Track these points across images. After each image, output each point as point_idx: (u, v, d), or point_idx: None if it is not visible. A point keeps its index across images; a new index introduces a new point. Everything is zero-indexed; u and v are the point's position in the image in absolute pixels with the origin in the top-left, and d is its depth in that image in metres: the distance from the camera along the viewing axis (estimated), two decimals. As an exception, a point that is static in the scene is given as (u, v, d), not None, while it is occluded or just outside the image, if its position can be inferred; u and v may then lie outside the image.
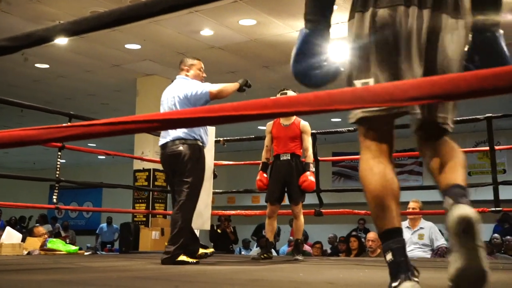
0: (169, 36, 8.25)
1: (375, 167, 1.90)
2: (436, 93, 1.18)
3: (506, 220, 12.63)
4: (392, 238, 1.79)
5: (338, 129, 6.47)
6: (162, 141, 4.52)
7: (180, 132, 4.40)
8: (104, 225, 15.88)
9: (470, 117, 5.85)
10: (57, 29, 1.76)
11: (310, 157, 5.30)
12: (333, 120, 12.88)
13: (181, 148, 4.38)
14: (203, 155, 4.50)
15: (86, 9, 7.11)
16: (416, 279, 1.69)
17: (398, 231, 1.80)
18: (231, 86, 4.61)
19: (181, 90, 4.51)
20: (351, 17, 2.00)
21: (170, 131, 4.43)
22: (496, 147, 5.83)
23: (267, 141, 5.52)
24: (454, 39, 1.88)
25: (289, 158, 5.32)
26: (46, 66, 9.68)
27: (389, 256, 1.76)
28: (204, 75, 4.80)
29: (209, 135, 4.77)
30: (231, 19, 7.57)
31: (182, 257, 4.26)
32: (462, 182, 1.80)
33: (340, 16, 7.33)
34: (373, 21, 1.86)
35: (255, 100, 1.50)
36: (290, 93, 5.21)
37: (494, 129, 5.73)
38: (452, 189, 1.76)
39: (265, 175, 5.42)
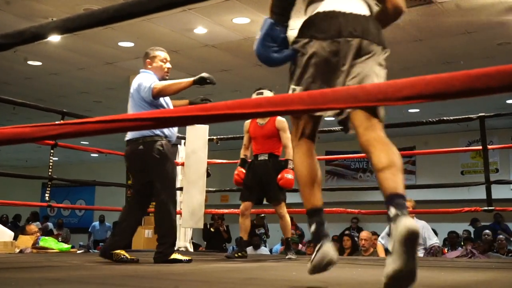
0: (163, 34, 8.23)
1: (305, 161, 2.40)
2: (430, 92, 1.18)
3: (497, 220, 12.73)
4: (315, 215, 2.34)
5: (332, 128, 6.46)
6: (126, 137, 4.35)
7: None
8: (96, 223, 15.85)
9: (463, 117, 5.87)
10: (50, 27, 1.77)
11: (289, 154, 5.07)
12: (326, 119, 12.84)
13: (141, 147, 4.22)
14: (168, 150, 4.32)
15: (79, 6, 7.08)
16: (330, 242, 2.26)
17: (320, 209, 2.36)
18: (182, 83, 4.34)
19: (134, 84, 4.37)
20: (299, 36, 2.45)
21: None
22: (489, 147, 5.86)
23: (245, 140, 5.46)
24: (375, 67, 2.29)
25: (266, 158, 5.25)
26: (39, 63, 9.64)
27: (313, 227, 2.30)
28: (168, 66, 4.57)
29: (175, 128, 4.54)
30: (225, 17, 7.56)
31: (175, 255, 4.24)
32: (402, 191, 2.01)
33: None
34: (313, 47, 2.32)
35: (249, 99, 1.50)
36: (267, 93, 5.12)
37: (487, 129, 5.75)
38: (395, 199, 1.96)
39: (243, 170, 5.34)
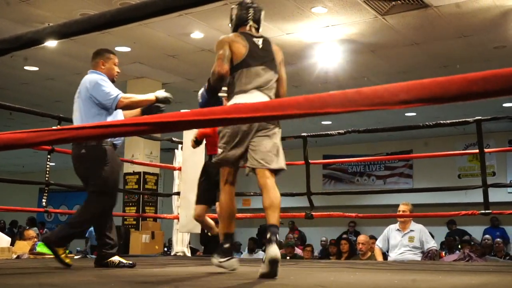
0: (160, 39, 8.24)
1: (229, 201, 3.43)
2: (426, 96, 1.18)
3: (493, 224, 12.79)
4: (230, 238, 3.44)
5: (329, 132, 6.46)
6: None
7: None
8: (93, 228, 15.77)
9: (460, 120, 5.87)
10: (47, 32, 1.76)
11: None
12: (323, 123, 12.90)
13: (83, 151, 4.04)
14: (111, 156, 4.10)
15: (76, 11, 7.08)
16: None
17: (233, 234, 3.50)
18: (145, 100, 4.20)
19: (87, 84, 4.17)
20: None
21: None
22: (486, 150, 5.86)
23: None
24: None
25: None
26: (36, 68, 9.63)
27: (227, 245, 3.39)
28: (118, 70, 4.41)
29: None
30: (222, 21, 7.55)
31: (116, 258, 4.08)
32: (277, 223, 3.20)
33: (328, 19, 7.40)
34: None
35: (246, 103, 1.50)
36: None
37: (484, 132, 5.76)
38: (272, 228, 3.15)
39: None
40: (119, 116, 4.23)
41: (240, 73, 3.43)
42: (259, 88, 3.38)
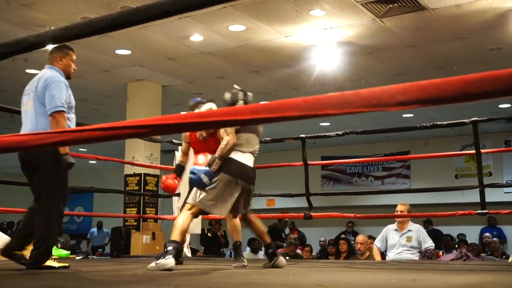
0: (159, 42, 8.26)
1: (187, 223, 4.12)
2: (423, 97, 1.19)
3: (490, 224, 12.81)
4: (178, 243, 3.99)
5: (327, 133, 6.49)
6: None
7: (37, 130, 3.77)
8: (94, 229, 15.83)
9: (457, 121, 5.90)
10: (48, 35, 1.77)
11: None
12: (322, 124, 12.93)
13: (35, 152, 3.81)
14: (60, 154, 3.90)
15: (76, 15, 7.10)
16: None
17: (179, 243, 4.07)
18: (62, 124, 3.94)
19: (44, 81, 4.02)
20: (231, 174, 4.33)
21: (27, 125, 4.00)
22: (482, 151, 5.89)
23: (184, 148, 5.12)
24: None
25: None
26: (37, 71, 9.61)
27: (171, 249, 3.86)
28: (75, 68, 4.27)
29: None
30: (221, 25, 7.58)
31: (50, 262, 3.92)
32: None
33: (326, 22, 7.42)
34: None
35: (245, 106, 1.52)
36: (208, 105, 4.68)
37: (480, 133, 5.79)
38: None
39: (176, 180, 4.95)
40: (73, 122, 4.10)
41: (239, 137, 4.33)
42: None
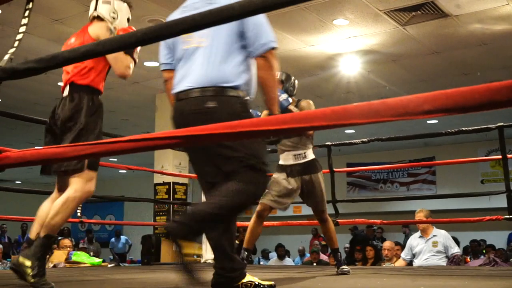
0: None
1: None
2: (451, 106, 1.20)
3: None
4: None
5: (352, 141, 6.48)
6: (180, 87, 2.91)
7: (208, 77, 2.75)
8: (113, 239, 16.05)
9: (482, 127, 5.85)
10: (82, 50, 1.83)
11: None
12: (347, 132, 12.91)
13: (212, 104, 2.70)
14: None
15: (106, 29, 7.22)
16: None
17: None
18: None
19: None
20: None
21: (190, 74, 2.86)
22: (508, 156, 5.83)
23: None
24: None
25: None
26: (67, 84, 9.79)
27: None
28: None
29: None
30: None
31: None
32: None
33: (350, 31, 7.43)
34: None
35: (274, 116, 1.55)
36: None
37: (506, 138, 5.74)
38: None
39: None
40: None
41: None
42: None
